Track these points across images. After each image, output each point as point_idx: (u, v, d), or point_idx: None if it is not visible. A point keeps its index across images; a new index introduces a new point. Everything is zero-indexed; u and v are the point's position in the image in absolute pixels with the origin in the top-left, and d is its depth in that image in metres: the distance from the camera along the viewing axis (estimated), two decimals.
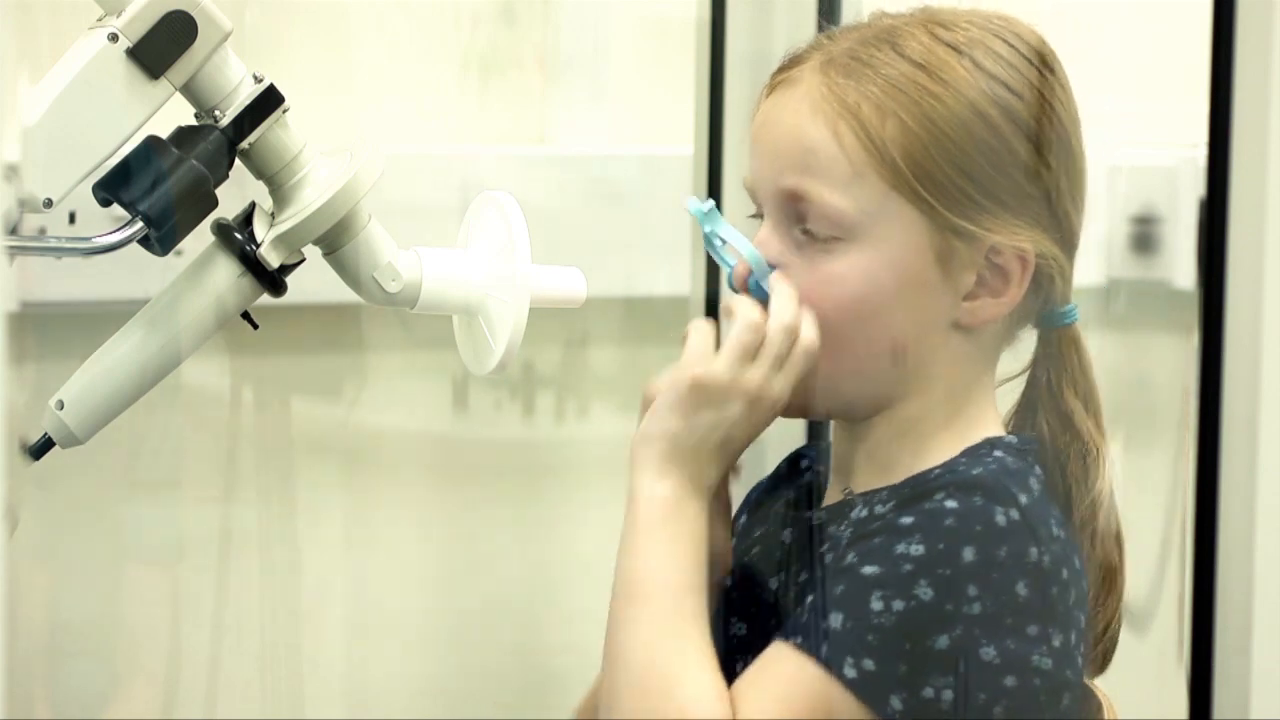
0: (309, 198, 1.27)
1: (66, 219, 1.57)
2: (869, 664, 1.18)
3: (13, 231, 1.24)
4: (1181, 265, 2.11)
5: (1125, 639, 2.10)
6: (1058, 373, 1.34)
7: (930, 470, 1.28)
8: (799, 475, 1.44)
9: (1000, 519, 1.21)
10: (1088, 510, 1.32)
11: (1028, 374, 1.35)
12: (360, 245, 1.29)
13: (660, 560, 1.26)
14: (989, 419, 1.33)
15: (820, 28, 1.72)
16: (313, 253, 1.31)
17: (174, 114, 1.27)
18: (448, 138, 1.90)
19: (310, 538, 1.88)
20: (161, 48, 1.22)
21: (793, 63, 1.33)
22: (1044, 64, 1.31)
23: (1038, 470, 1.29)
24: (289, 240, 1.27)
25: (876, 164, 1.27)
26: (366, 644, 1.92)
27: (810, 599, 1.23)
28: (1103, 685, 2.19)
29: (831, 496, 1.36)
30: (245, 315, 1.29)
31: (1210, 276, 1.24)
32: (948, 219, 1.27)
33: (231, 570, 1.84)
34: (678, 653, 1.22)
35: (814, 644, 1.20)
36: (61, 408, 1.27)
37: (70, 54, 1.22)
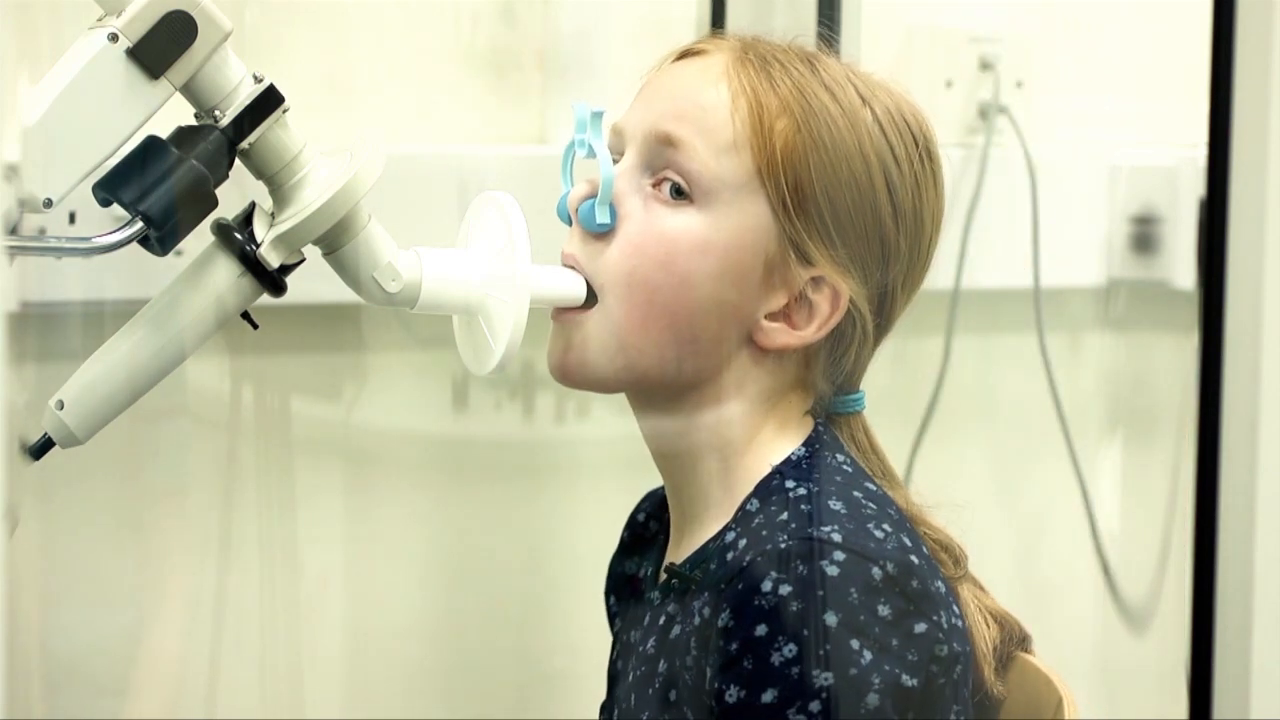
0: (309, 198, 1.27)
1: (66, 219, 1.57)
2: None
3: (13, 231, 1.23)
4: (1181, 265, 2.12)
5: (1125, 639, 2.10)
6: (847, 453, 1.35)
7: (727, 534, 1.28)
8: (642, 541, 1.45)
9: (832, 570, 1.22)
10: None
11: None
12: (360, 245, 1.29)
13: None
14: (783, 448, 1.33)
15: (820, 28, 1.72)
16: (313, 253, 1.31)
17: (174, 114, 1.27)
18: (448, 138, 1.90)
19: (310, 537, 1.87)
20: (161, 48, 1.22)
21: (709, 40, 1.36)
22: (928, 154, 1.34)
23: (829, 460, 1.31)
24: (289, 240, 1.27)
25: (757, 146, 1.29)
26: (366, 644, 1.92)
27: None
28: (1106, 684, 2.19)
29: (667, 563, 1.36)
30: (245, 315, 1.29)
31: (1210, 276, 1.24)
32: (794, 228, 1.29)
33: (231, 570, 1.83)
34: None
35: None
36: (61, 408, 1.26)
37: (70, 54, 1.22)
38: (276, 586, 1.85)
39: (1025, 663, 1.38)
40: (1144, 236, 2.14)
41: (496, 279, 1.31)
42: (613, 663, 1.42)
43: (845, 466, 1.32)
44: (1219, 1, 1.23)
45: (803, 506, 1.27)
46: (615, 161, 1.34)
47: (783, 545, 1.23)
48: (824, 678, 1.20)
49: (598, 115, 1.35)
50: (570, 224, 1.35)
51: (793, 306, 1.31)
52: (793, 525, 1.25)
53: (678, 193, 1.30)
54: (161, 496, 1.82)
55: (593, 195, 1.32)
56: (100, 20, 1.23)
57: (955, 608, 1.27)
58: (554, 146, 1.91)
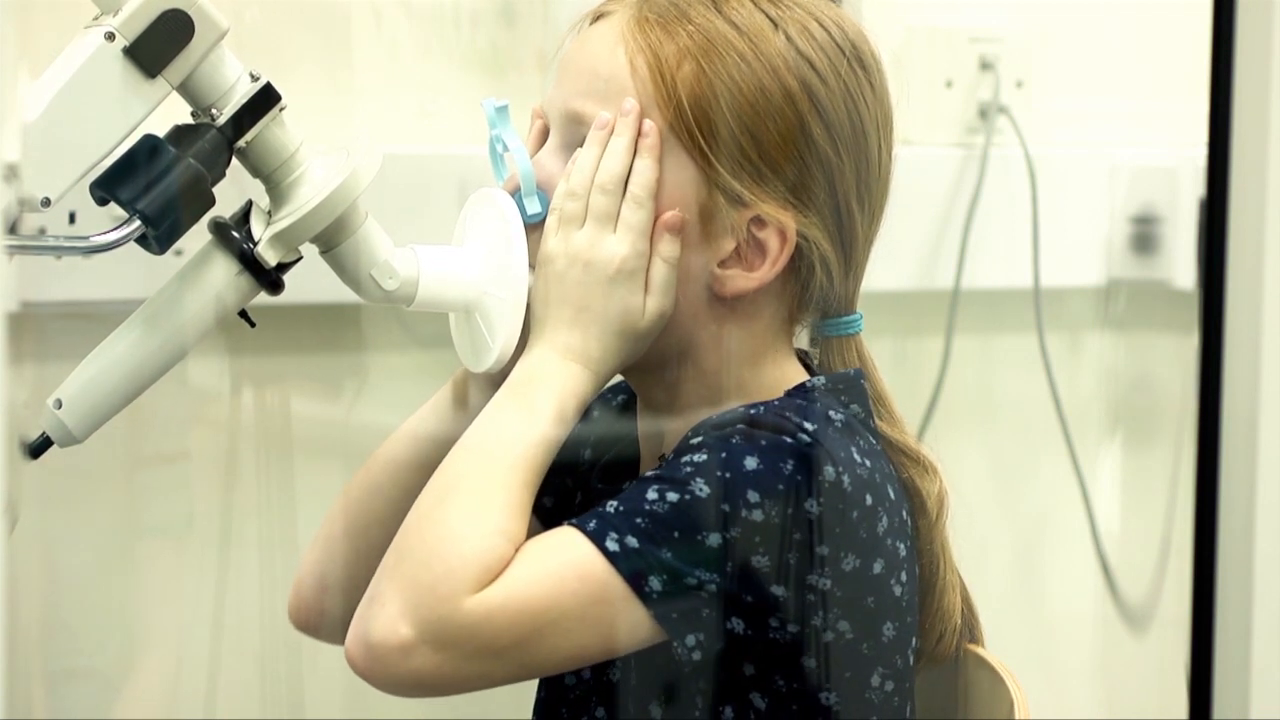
0: (306, 195, 1.27)
1: (66, 218, 1.57)
2: (632, 541, 1.20)
3: (12, 231, 1.24)
4: (1181, 265, 2.12)
5: (1125, 639, 2.10)
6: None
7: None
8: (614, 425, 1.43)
9: (788, 440, 1.23)
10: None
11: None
12: (358, 243, 1.29)
13: (513, 424, 1.26)
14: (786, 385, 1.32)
15: None
16: (312, 253, 1.31)
17: (171, 113, 1.27)
18: (448, 138, 1.90)
19: (310, 537, 1.87)
20: (158, 46, 1.22)
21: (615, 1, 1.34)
22: (858, 61, 1.31)
23: (852, 406, 1.30)
24: (286, 238, 1.27)
25: (661, 101, 1.28)
26: None
27: None
28: (1105, 683, 2.18)
29: (648, 464, 1.36)
30: (243, 313, 1.29)
31: (1210, 276, 1.24)
32: (719, 175, 1.27)
33: (231, 570, 1.83)
34: (485, 500, 1.22)
35: (586, 522, 1.22)
36: (59, 406, 1.26)
37: (67, 53, 1.22)
38: (276, 586, 1.85)
39: (980, 659, 1.38)
40: (1144, 236, 2.14)
41: (493, 276, 1.31)
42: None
43: (852, 410, 1.31)
44: (1219, 1, 1.22)
45: (814, 398, 1.28)
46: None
47: (773, 402, 1.25)
48: (700, 489, 1.21)
49: (503, 109, 1.35)
50: None
51: (743, 249, 1.29)
52: (793, 402, 1.26)
53: None
54: (161, 496, 1.82)
55: (519, 189, 1.32)
56: (96, 19, 1.23)
57: (888, 573, 1.26)
58: None
